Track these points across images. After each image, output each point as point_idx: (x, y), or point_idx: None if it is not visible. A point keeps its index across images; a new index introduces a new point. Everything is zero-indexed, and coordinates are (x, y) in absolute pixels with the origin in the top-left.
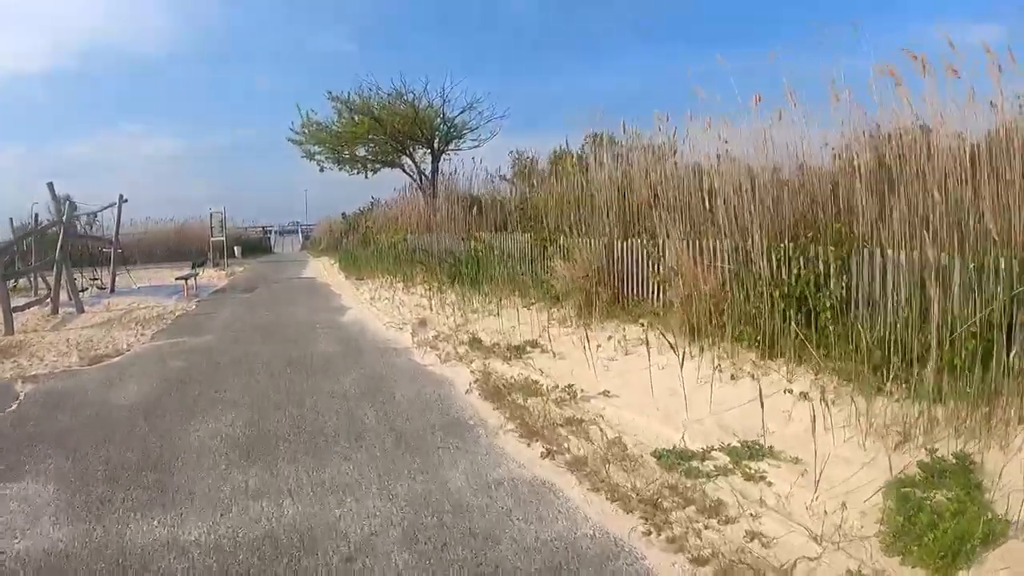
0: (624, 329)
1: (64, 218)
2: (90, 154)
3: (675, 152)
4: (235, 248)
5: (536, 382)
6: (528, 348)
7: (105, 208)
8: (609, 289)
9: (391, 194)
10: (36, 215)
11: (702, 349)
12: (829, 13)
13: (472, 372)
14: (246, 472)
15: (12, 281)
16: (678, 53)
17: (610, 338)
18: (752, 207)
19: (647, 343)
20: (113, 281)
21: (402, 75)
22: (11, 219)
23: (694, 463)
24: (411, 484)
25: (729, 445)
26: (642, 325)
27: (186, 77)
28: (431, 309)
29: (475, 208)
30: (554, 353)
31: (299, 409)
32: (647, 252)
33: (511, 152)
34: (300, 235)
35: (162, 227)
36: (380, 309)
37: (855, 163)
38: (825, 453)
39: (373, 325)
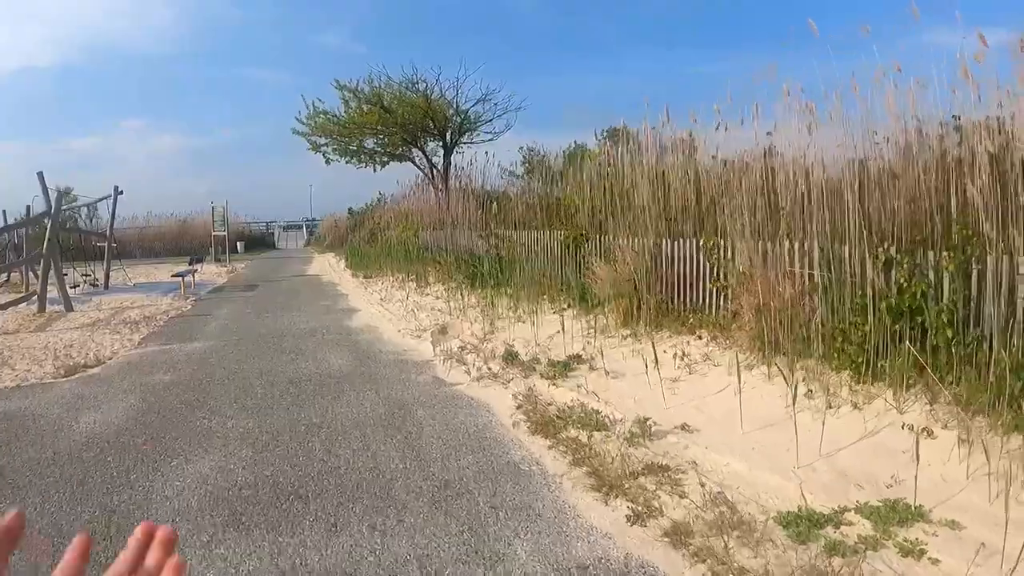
0: (685, 343)
1: (52, 209)
2: (96, 149)
3: (697, 148)
4: (238, 243)
5: (596, 411)
6: (574, 364)
7: (100, 200)
8: (656, 295)
9: (399, 189)
10: (28, 207)
11: (782, 370)
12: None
13: (514, 396)
14: (234, 552)
15: (3, 276)
16: (673, 57)
17: (673, 355)
18: (849, 204)
19: (705, 358)
20: (107, 277)
21: (413, 64)
22: (3, 211)
23: (830, 531)
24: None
25: (865, 504)
26: (699, 337)
27: (192, 73)
28: (451, 314)
29: (493, 204)
30: (606, 371)
31: (305, 448)
32: (704, 253)
33: (521, 148)
34: (304, 231)
35: (164, 222)
36: (393, 312)
37: (973, 153)
38: (982, 511)
39: (387, 332)
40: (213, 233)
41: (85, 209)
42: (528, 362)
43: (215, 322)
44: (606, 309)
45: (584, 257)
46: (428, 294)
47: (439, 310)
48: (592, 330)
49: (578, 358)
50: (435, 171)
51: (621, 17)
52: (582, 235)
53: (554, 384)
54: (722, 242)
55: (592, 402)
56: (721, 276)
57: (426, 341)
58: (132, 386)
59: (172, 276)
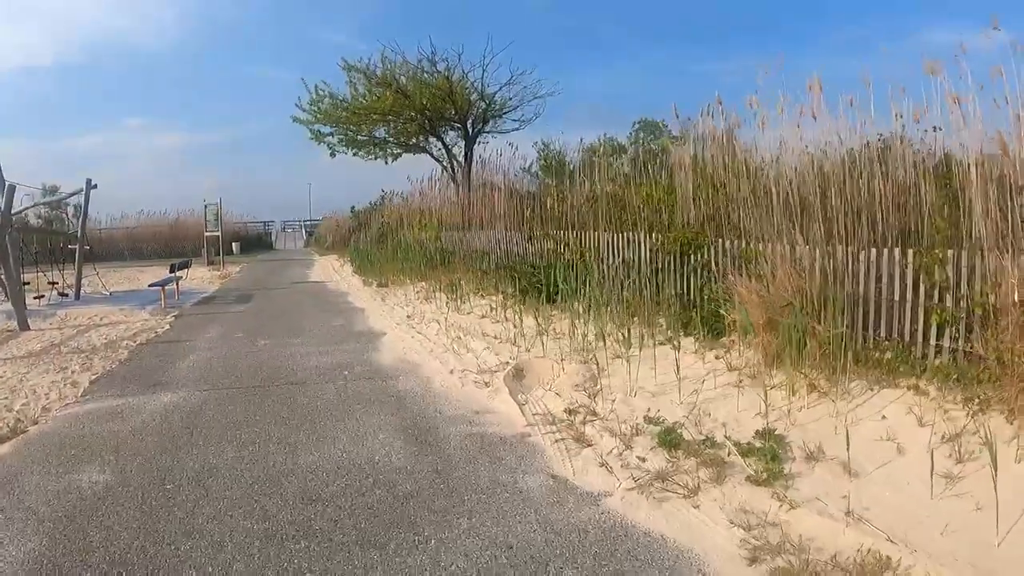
0: (909, 402)
1: (2, 206)
2: (96, 147)
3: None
4: (233, 244)
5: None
6: (777, 449)
7: (72, 195)
8: (832, 325)
9: (411, 185)
10: None
11: None
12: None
13: (728, 527)
14: None
15: None
16: (668, 54)
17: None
18: None
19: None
20: (79, 286)
21: (431, 40)
22: None
23: None
24: None
25: None
26: (923, 391)
27: (192, 72)
28: (513, 342)
29: (547, 200)
30: (845, 467)
31: None
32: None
33: (535, 143)
34: (304, 231)
35: (155, 221)
36: (431, 338)
37: None
38: None
39: (435, 373)
40: (206, 233)
41: (72, 207)
42: (699, 445)
43: (195, 354)
44: (745, 340)
45: (698, 268)
46: (469, 311)
47: (494, 336)
48: (738, 375)
49: (772, 436)
50: (456, 164)
51: (619, 17)
52: (693, 240)
53: (781, 500)
54: (954, 253)
55: (879, 543)
56: (952, 300)
57: (501, 393)
58: (37, 504)
59: (150, 286)
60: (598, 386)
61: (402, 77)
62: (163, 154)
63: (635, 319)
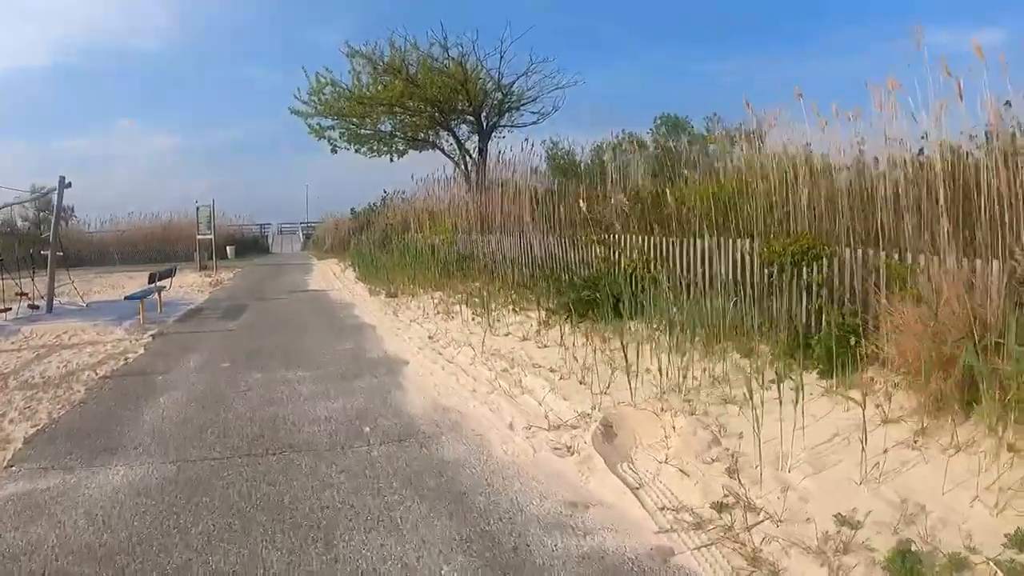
0: None
1: None
2: (91, 149)
3: None
4: (227, 248)
5: None
6: None
7: (45, 194)
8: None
9: (409, 186)
10: None
11: None
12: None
13: None
14: None
15: None
16: (670, 56)
17: None
18: None
19: None
20: (50, 297)
21: (443, 25)
22: None
23: None
24: None
25: None
26: None
27: (186, 73)
28: (581, 379)
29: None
30: None
31: None
32: None
33: (544, 142)
34: (301, 233)
35: (146, 224)
36: (469, 372)
37: None
38: None
39: (492, 431)
40: (198, 237)
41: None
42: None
43: (167, 396)
44: (894, 382)
45: (814, 285)
46: (504, 330)
47: (549, 368)
48: (911, 433)
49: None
50: (469, 160)
51: (619, 17)
52: (808, 249)
53: None
54: None
55: None
56: None
57: (595, 466)
58: None
59: (126, 298)
60: (729, 451)
61: (412, 64)
62: (158, 156)
63: (724, 346)
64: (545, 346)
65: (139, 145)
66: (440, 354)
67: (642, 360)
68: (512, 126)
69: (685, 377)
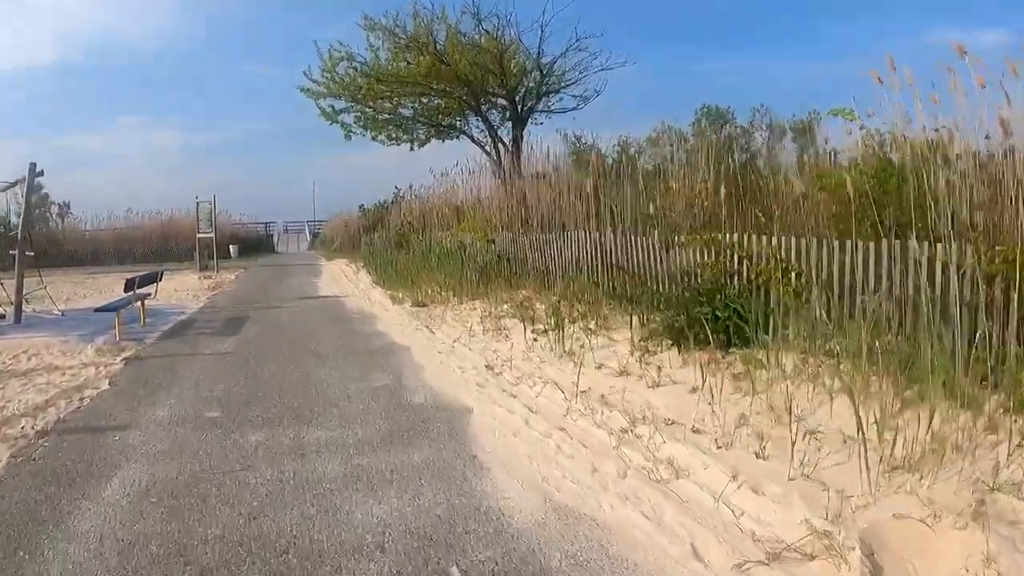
0: None
1: None
2: (96, 146)
3: None
4: (230, 247)
5: None
6: None
7: (12, 184)
8: None
9: (425, 180)
10: None
11: None
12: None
13: None
14: None
15: None
16: (670, 56)
17: None
18: None
19: None
20: (19, 306)
21: None
22: None
23: None
24: None
25: None
26: None
27: (191, 70)
28: (761, 451)
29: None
30: None
31: None
32: None
33: (565, 135)
34: (308, 233)
35: (145, 222)
36: (571, 430)
37: None
38: None
39: (667, 563)
40: (198, 235)
41: (56, 206)
42: None
43: (120, 476)
44: None
45: None
46: (591, 359)
47: (694, 429)
48: None
49: None
50: (501, 149)
51: (619, 17)
52: None
53: None
54: None
55: None
56: None
57: None
58: None
59: (96, 311)
60: None
61: (439, 39)
62: (161, 153)
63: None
64: (658, 385)
65: (142, 143)
66: (514, 397)
67: (814, 409)
68: (550, 111)
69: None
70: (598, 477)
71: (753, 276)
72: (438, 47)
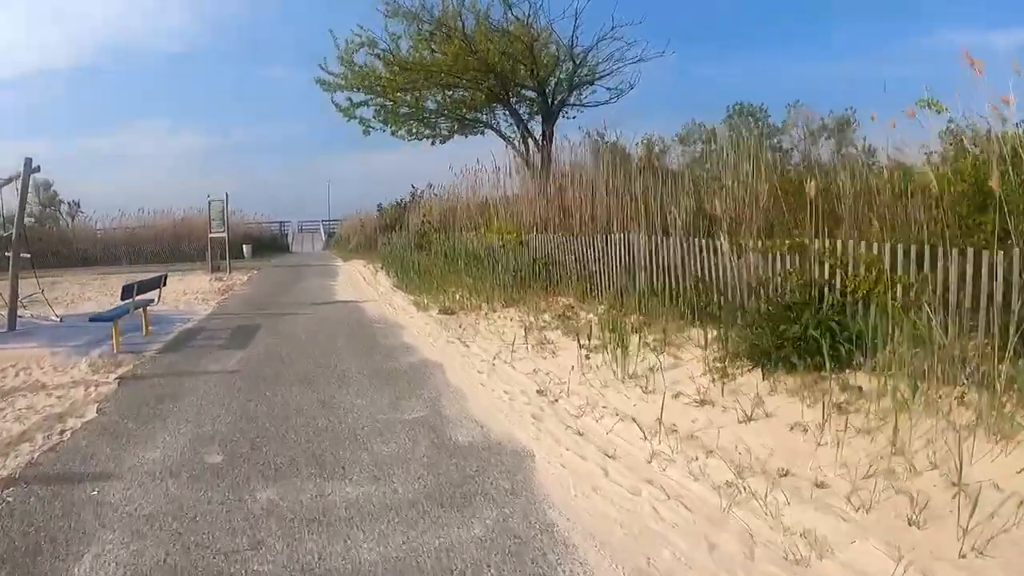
0: None
1: None
2: (112, 148)
3: None
4: (244, 247)
5: None
6: None
7: (8, 181)
8: None
9: (447, 178)
10: None
11: None
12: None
13: None
14: None
15: None
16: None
17: None
18: None
19: None
20: (12, 312)
21: None
22: None
23: None
24: None
25: None
26: None
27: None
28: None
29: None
30: None
31: None
32: None
33: (587, 133)
34: (322, 232)
35: (157, 221)
36: (662, 484)
37: None
38: None
39: None
40: (210, 235)
41: (66, 206)
42: None
43: (91, 558)
44: None
45: None
46: (659, 381)
47: (818, 482)
48: None
49: None
50: (532, 145)
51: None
52: None
53: None
54: None
55: None
56: None
57: None
58: None
59: (91, 320)
60: None
61: (468, 23)
62: (177, 155)
63: None
64: (750, 419)
65: (159, 144)
66: (581, 435)
67: (945, 451)
68: (582, 105)
69: None
70: (719, 557)
71: (850, 288)
72: (466, 34)
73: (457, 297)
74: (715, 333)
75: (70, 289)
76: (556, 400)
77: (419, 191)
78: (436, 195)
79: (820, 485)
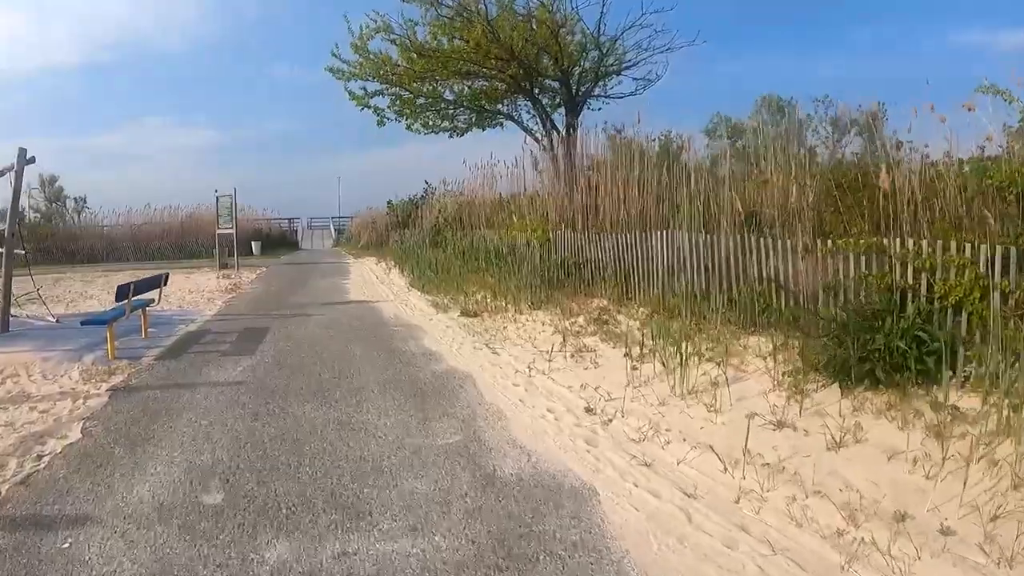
0: None
1: None
2: (121, 145)
3: None
4: (252, 244)
5: None
6: None
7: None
8: None
9: (460, 174)
10: None
11: None
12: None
13: None
14: None
15: None
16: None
17: None
18: None
19: None
20: (5, 312)
21: None
22: None
23: None
24: None
25: None
26: None
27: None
28: None
29: None
30: None
31: None
32: None
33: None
34: (332, 229)
35: (164, 218)
36: (798, 558)
37: None
38: None
39: None
40: (217, 231)
41: (72, 201)
42: None
43: None
44: None
45: None
46: (738, 404)
47: (943, 528)
48: None
49: None
50: (556, 137)
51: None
52: None
53: None
54: None
55: None
56: None
57: None
58: None
59: (83, 324)
60: None
61: (490, 8)
62: (186, 153)
63: None
64: (840, 445)
65: (168, 142)
66: (648, 466)
67: None
68: (607, 96)
69: None
70: None
71: (938, 293)
72: (488, 20)
73: (478, 297)
74: (777, 342)
75: (72, 287)
76: (610, 421)
77: (433, 187)
78: (450, 191)
79: (946, 531)
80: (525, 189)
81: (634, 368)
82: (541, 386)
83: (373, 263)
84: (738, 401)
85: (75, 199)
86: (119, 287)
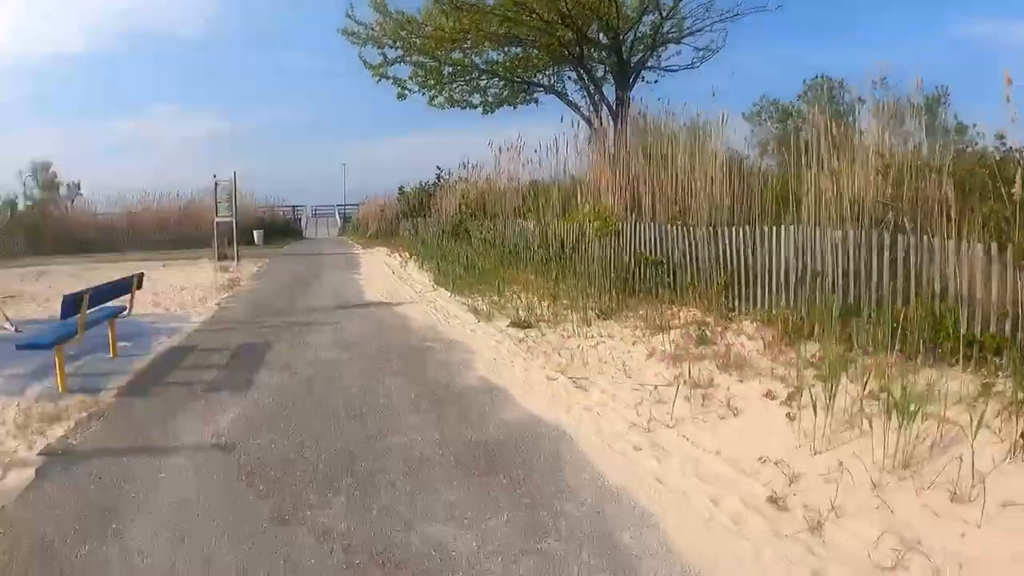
0: None
1: None
2: (128, 133)
3: None
4: (255, 233)
5: None
6: None
7: None
8: None
9: (480, 158)
10: None
11: None
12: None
13: None
14: None
15: None
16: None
17: None
18: None
19: None
20: None
21: None
22: None
23: None
24: None
25: None
26: None
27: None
28: None
29: None
30: None
31: None
32: None
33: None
34: (338, 217)
35: (163, 205)
36: None
37: None
38: None
39: None
40: (216, 219)
41: (65, 188)
42: None
43: None
44: None
45: None
46: (994, 492)
47: None
48: None
49: None
50: (605, 109)
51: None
52: None
53: None
54: None
55: None
56: None
57: None
58: None
59: (18, 348)
60: None
61: None
62: (191, 141)
63: None
64: None
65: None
66: None
67: None
68: (664, 69)
69: None
70: None
71: None
72: None
73: (522, 301)
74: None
75: (58, 281)
76: (819, 525)
77: (449, 172)
78: (468, 177)
79: None
80: (565, 173)
81: (790, 417)
82: (676, 451)
83: (385, 254)
84: (980, 482)
85: (68, 185)
86: (65, 298)
